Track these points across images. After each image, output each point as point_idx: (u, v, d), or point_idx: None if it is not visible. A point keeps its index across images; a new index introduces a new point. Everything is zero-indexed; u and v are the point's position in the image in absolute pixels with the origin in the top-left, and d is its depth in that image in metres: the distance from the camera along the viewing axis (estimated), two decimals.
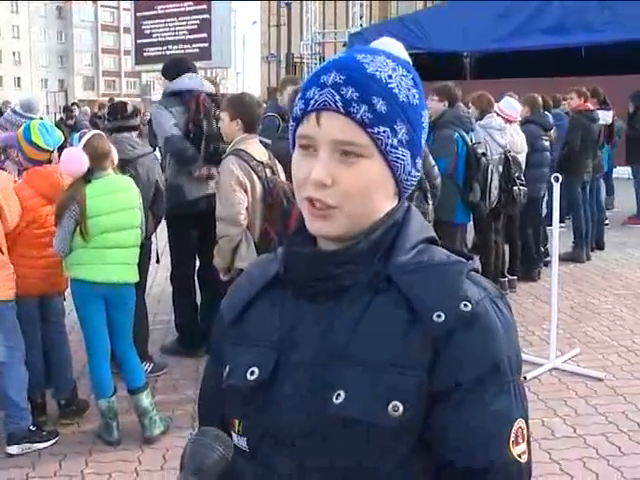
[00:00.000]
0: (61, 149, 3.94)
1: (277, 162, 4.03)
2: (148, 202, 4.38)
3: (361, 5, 22.79)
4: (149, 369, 4.56)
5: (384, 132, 0.97)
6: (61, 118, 13.69)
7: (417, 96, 1.02)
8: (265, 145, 4.19)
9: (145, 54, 21.09)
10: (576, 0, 13.81)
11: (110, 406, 3.74)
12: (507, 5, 14.83)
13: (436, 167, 4.86)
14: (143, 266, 4.26)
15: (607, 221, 9.18)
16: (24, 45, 78.94)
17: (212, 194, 4.34)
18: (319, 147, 0.98)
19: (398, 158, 0.99)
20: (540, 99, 7.28)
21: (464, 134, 5.44)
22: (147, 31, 21.14)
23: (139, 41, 21.42)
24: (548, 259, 6.88)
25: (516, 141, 6.38)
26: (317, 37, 23.76)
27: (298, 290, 1.04)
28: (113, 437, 3.77)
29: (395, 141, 0.98)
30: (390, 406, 0.95)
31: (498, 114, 6.25)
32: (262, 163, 3.88)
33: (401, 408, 0.95)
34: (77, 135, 3.83)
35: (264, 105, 5.70)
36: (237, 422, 1.06)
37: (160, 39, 20.72)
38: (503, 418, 0.96)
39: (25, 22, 78.88)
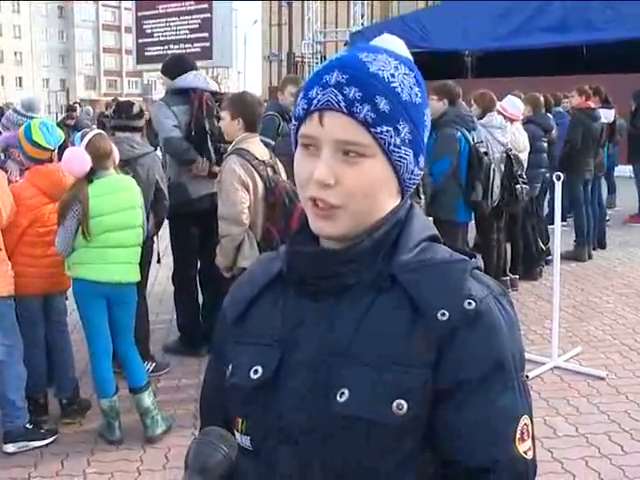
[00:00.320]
0: (61, 149, 3.94)
1: (278, 161, 4.03)
2: (149, 202, 4.36)
3: (362, 4, 22.81)
4: (151, 368, 4.56)
5: (387, 131, 0.97)
6: (63, 118, 13.66)
7: (419, 94, 1.01)
8: (266, 144, 4.18)
9: (146, 53, 21.13)
10: (577, 0, 13.81)
11: (112, 405, 3.74)
12: (508, 4, 14.83)
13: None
14: (143, 265, 4.25)
15: (608, 217, 9.17)
16: (25, 45, 78.95)
17: (216, 192, 4.32)
18: (322, 147, 0.98)
19: (401, 157, 0.99)
20: (542, 99, 7.27)
21: (466, 133, 5.43)
22: (148, 30, 21.19)
23: (140, 40, 21.46)
24: (550, 258, 6.88)
25: (518, 140, 6.37)
26: (318, 36, 23.80)
27: (301, 289, 1.04)
28: (115, 436, 3.77)
29: (398, 140, 0.98)
30: (394, 404, 0.95)
31: (500, 112, 6.24)
32: (264, 162, 3.87)
33: (405, 406, 0.95)
34: (79, 134, 3.82)
35: (265, 104, 5.69)
36: (240, 421, 1.06)
37: (161, 38, 20.77)
38: (508, 415, 0.96)
39: (26, 22, 78.86)
